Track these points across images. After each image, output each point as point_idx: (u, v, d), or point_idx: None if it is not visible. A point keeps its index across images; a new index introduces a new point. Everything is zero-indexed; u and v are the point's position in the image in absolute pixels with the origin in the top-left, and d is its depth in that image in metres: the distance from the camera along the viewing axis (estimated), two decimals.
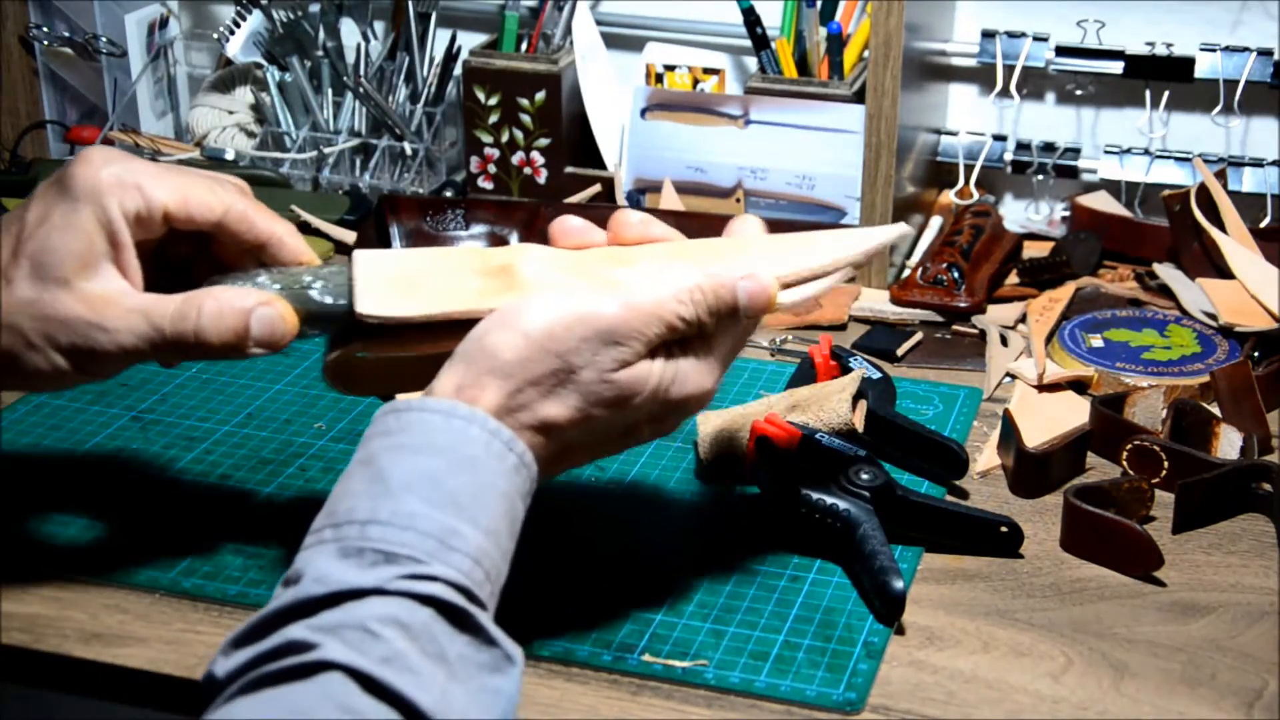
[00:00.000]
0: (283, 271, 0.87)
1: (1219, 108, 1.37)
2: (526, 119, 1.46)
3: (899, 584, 0.89)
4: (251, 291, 0.84)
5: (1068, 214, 1.44)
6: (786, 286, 0.87)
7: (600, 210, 1.36)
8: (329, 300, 0.85)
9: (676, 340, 0.83)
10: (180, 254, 0.89)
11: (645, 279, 0.83)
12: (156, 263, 0.87)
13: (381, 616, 0.69)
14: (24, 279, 0.82)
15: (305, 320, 0.85)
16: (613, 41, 1.53)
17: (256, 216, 0.89)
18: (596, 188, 1.47)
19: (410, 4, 1.50)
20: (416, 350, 0.84)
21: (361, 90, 1.49)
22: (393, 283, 0.84)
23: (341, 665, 0.67)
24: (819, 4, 1.41)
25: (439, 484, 0.75)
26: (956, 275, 1.29)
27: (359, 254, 0.86)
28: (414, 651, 0.69)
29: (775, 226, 1.37)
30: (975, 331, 1.26)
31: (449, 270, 0.86)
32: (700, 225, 1.37)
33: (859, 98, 1.35)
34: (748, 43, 1.44)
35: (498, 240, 1.37)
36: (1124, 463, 1.04)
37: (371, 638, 0.68)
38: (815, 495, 0.95)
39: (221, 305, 0.83)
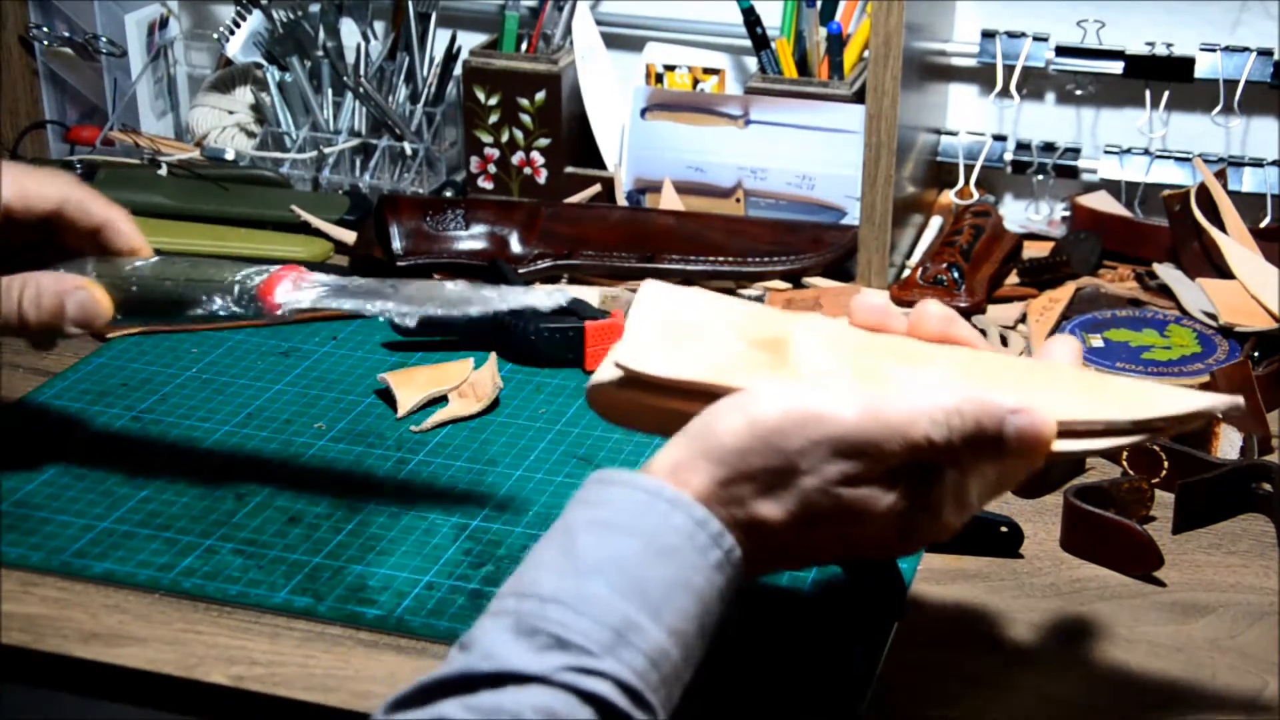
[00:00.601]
0: (109, 261, 0.94)
1: (1219, 108, 1.37)
2: (526, 119, 1.46)
3: (899, 583, 0.89)
4: (68, 276, 0.92)
5: (1068, 214, 1.44)
6: (1070, 434, 0.74)
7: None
8: (136, 291, 0.93)
9: (924, 465, 0.74)
10: (20, 240, 0.95)
11: (905, 387, 0.75)
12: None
13: (539, 708, 0.65)
14: None
15: (122, 307, 0.93)
16: (613, 41, 1.53)
17: (92, 204, 0.95)
18: (596, 188, 1.47)
19: (410, 4, 1.50)
20: (666, 404, 0.79)
21: (361, 90, 1.49)
22: (666, 330, 0.80)
23: None
24: (819, 4, 1.41)
25: (629, 570, 0.69)
26: (956, 275, 1.29)
27: (647, 288, 0.83)
28: None
29: (776, 226, 1.38)
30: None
31: (722, 329, 0.81)
32: (700, 225, 1.37)
33: (859, 98, 1.35)
34: (748, 43, 1.44)
35: (498, 240, 1.37)
36: (1124, 463, 1.04)
37: None
38: None
39: (41, 288, 0.91)
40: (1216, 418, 1.04)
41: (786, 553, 0.75)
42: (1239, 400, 0.75)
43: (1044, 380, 0.77)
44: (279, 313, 0.92)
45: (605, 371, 0.81)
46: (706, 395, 0.76)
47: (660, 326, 0.81)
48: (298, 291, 0.92)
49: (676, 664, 0.70)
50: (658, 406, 0.79)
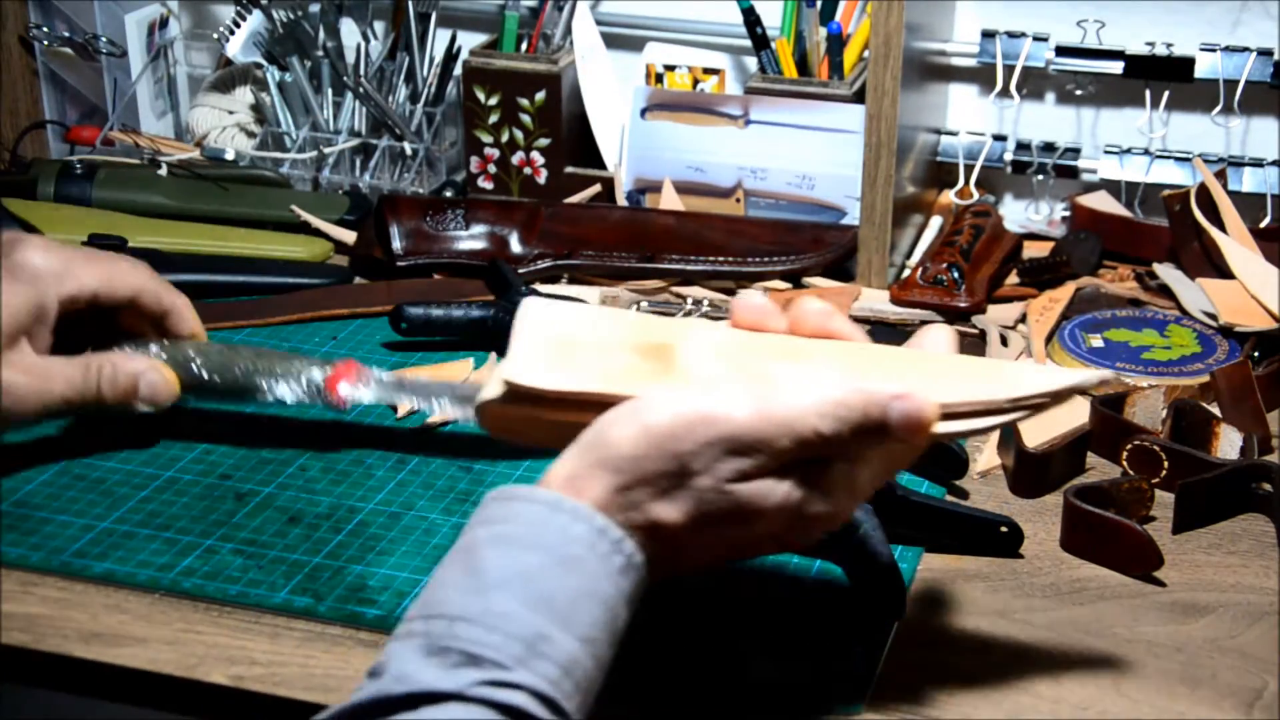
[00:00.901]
0: (173, 343, 1.04)
1: (1219, 108, 1.37)
2: (526, 119, 1.46)
3: (899, 584, 0.89)
4: (141, 358, 1.02)
5: (1068, 214, 1.44)
6: (951, 415, 0.77)
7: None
8: (205, 376, 1.03)
9: (813, 458, 0.76)
10: (92, 321, 1.04)
11: (791, 383, 0.76)
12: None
13: None
14: None
15: (186, 388, 1.03)
16: (613, 41, 1.53)
17: (163, 293, 1.05)
18: (596, 188, 1.47)
19: (410, 4, 1.50)
20: (557, 416, 0.80)
21: (361, 90, 1.49)
22: (550, 344, 0.81)
23: None
24: (819, 4, 1.41)
25: (534, 582, 0.71)
26: (956, 275, 1.29)
27: (528, 305, 0.84)
28: None
29: (776, 226, 1.38)
30: (975, 331, 1.26)
31: (607, 340, 0.82)
32: (700, 225, 1.37)
33: (859, 98, 1.35)
34: (748, 43, 1.44)
35: (498, 240, 1.37)
36: (1124, 463, 1.04)
37: None
38: None
39: (117, 368, 1.01)
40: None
41: (687, 552, 0.77)
42: (1106, 374, 0.82)
43: (922, 367, 0.80)
44: (344, 407, 1.04)
45: (492, 388, 0.81)
46: (598, 406, 0.77)
47: (545, 341, 0.81)
48: (359, 387, 1.03)
49: (589, 671, 0.71)
50: (549, 420, 0.80)
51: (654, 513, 0.75)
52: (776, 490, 0.75)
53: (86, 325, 1.03)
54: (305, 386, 1.04)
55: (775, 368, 0.79)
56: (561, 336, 0.82)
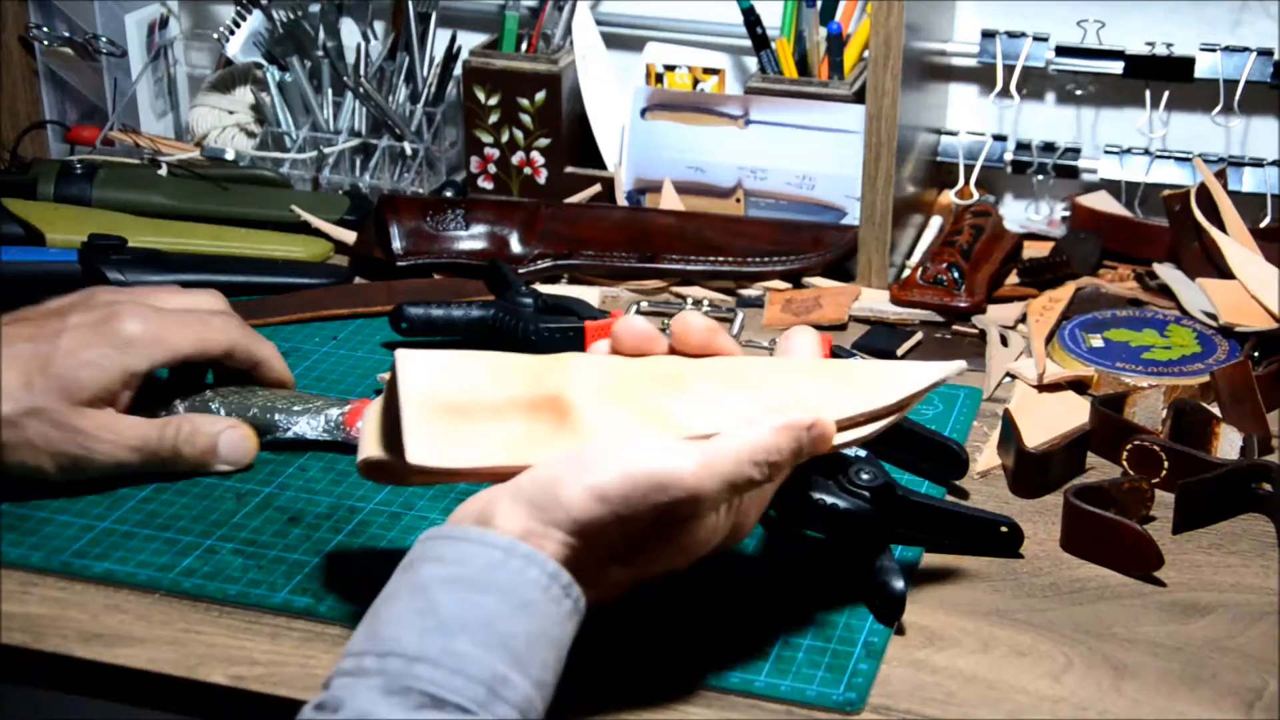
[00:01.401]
0: (235, 392, 1.06)
1: (1219, 108, 1.37)
2: (526, 119, 1.46)
3: (899, 584, 0.89)
4: (219, 418, 1.04)
5: (1068, 214, 1.44)
6: (844, 427, 0.84)
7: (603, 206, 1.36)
8: (291, 434, 1.05)
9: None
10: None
11: (714, 426, 0.80)
12: None
13: None
14: (48, 392, 0.97)
15: (263, 439, 1.05)
16: (613, 41, 1.53)
17: (254, 345, 1.06)
18: (596, 188, 1.47)
19: (410, 4, 1.50)
20: (458, 480, 0.82)
21: (361, 90, 1.49)
22: (442, 413, 0.81)
23: None
24: (819, 4, 1.41)
25: (493, 626, 0.72)
26: (956, 275, 1.29)
27: (405, 364, 0.84)
28: None
29: (776, 226, 1.38)
30: (975, 331, 1.26)
31: (495, 399, 0.82)
32: (700, 225, 1.37)
33: (859, 98, 1.35)
34: (748, 43, 1.44)
35: (498, 240, 1.37)
36: (1124, 463, 1.04)
37: None
38: (815, 495, 0.94)
39: (195, 429, 1.03)
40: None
41: (623, 585, 0.82)
42: (962, 364, 0.88)
43: (808, 381, 0.85)
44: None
45: (373, 448, 0.84)
46: (503, 474, 0.80)
47: (434, 406, 0.81)
48: None
49: (540, 713, 0.73)
50: (448, 480, 0.82)
51: (602, 566, 0.79)
52: (710, 527, 0.81)
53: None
54: (325, 423, 1.06)
55: (669, 403, 0.82)
56: (449, 400, 0.82)
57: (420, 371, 0.83)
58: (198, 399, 1.06)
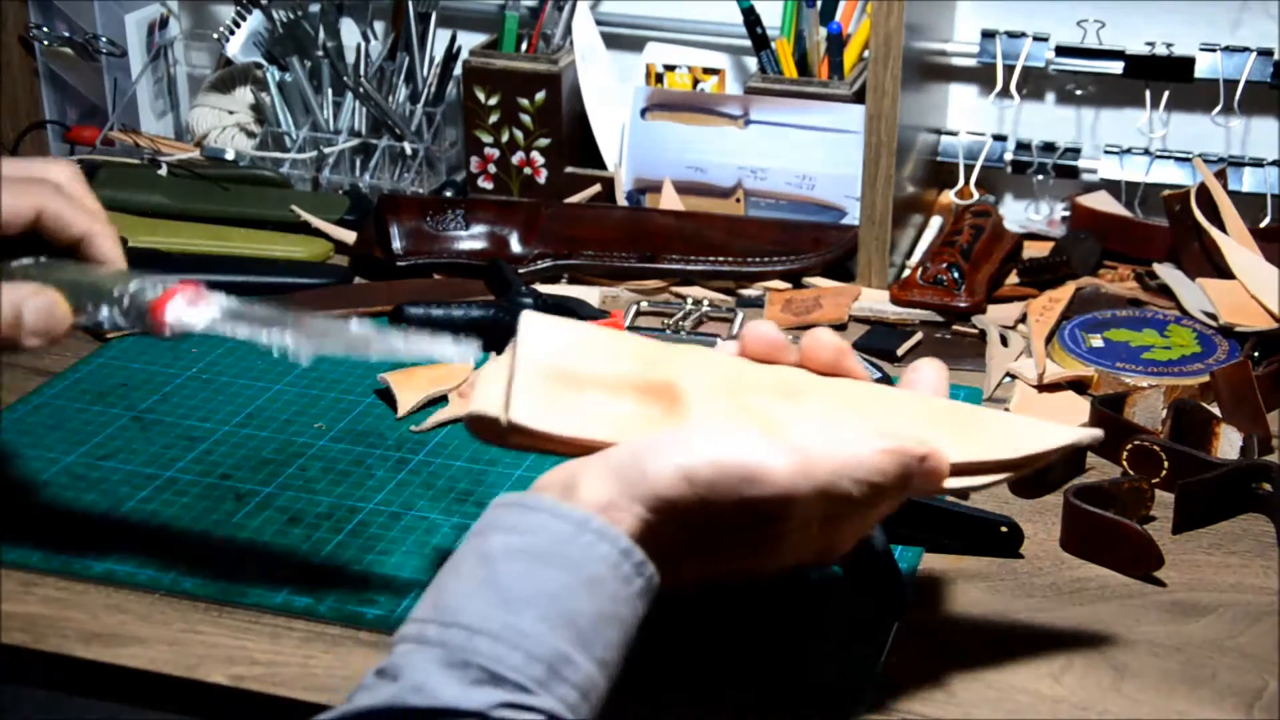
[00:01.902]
0: (39, 267, 0.87)
1: (1219, 108, 1.37)
2: (526, 119, 1.46)
3: (899, 583, 0.89)
4: (21, 285, 0.84)
5: (1068, 214, 1.44)
6: (959, 472, 0.80)
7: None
8: (89, 320, 0.85)
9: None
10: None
11: (821, 437, 0.77)
12: None
13: None
14: None
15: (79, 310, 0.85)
16: (613, 41, 1.53)
17: (70, 217, 0.88)
18: (596, 188, 1.47)
19: (410, 4, 1.50)
20: (554, 448, 0.80)
21: (361, 90, 1.49)
22: (554, 379, 0.80)
23: None
24: (819, 4, 1.41)
25: (558, 602, 0.70)
26: (956, 275, 1.29)
27: (528, 325, 0.82)
28: None
29: (776, 226, 1.38)
30: (975, 331, 1.26)
31: (609, 376, 0.81)
32: (700, 225, 1.37)
33: (859, 98, 1.35)
34: (748, 43, 1.44)
35: (498, 240, 1.37)
36: (1124, 463, 1.04)
37: None
38: None
39: None
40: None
41: (697, 577, 0.78)
42: (1099, 433, 0.83)
43: (926, 418, 0.81)
44: (166, 333, 0.85)
45: (488, 403, 0.81)
46: (602, 447, 0.78)
47: (548, 372, 0.80)
48: (192, 309, 0.85)
49: (603, 693, 0.71)
50: (544, 447, 0.80)
51: (678, 550, 0.75)
52: (795, 539, 0.77)
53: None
54: (126, 308, 0.86)
55: (782, 413, 0.80)
56: (564, 368, 0.80)
57: (541, 335, 0.82)
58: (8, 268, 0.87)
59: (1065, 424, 0.84)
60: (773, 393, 0.81)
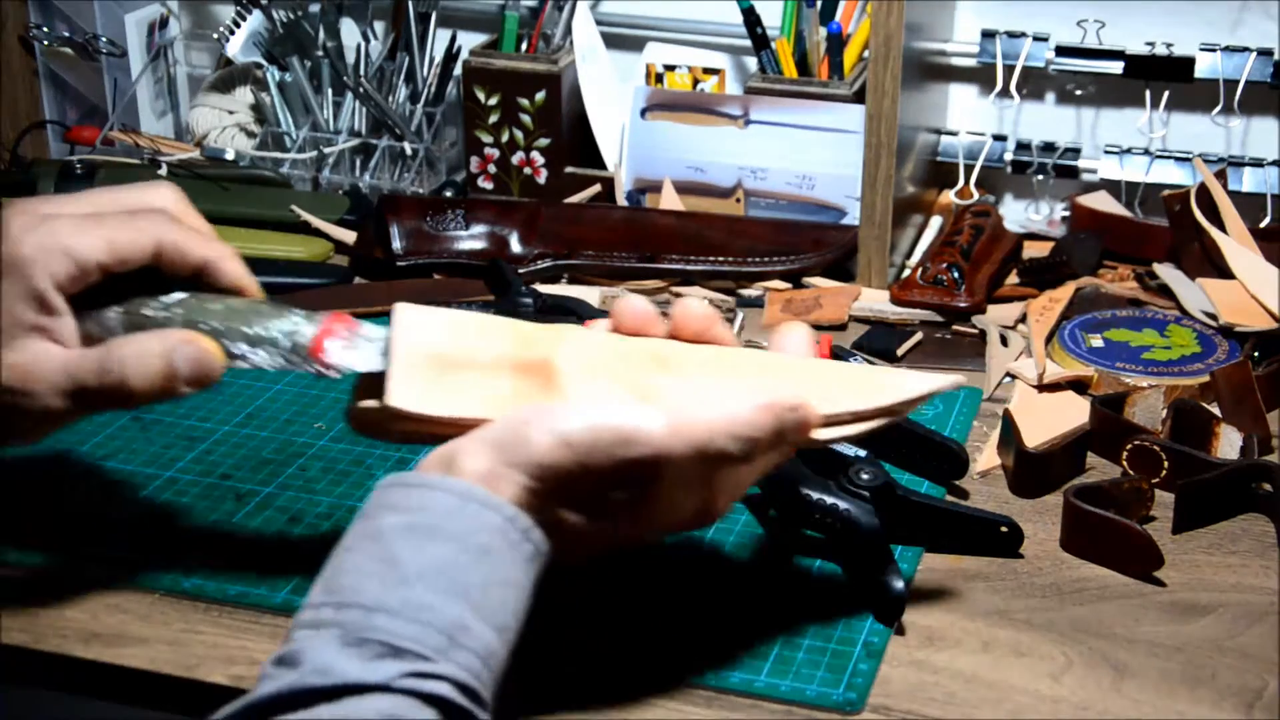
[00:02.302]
0: (182, 302, 0.85)
1: (1219, 108, 1.37)
2: (526, 119, 1.46)
3: (899, 584, 0.89)
4: (171, 332, 0.84)
5: (1068, 214, 1.44)
6: (830, 424, 0.83)
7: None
8: (245, 363, 0.84)
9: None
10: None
11: (694, 399, 0.81)
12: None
13: (385, 715, 0.67)
14: None
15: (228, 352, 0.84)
16: (613, 41, 1.53)
17: (189, 245, 0.86)
18: (596, 188, 1.47)
19: (410, 4, 1.50)
20: (434, 430, 0.81)
21: (361, 90, 1.49)
22: (430, 364, 0.82)
23: None
24: (819, 4, 1.41)
25: (451, 574, 0.72)
26: (956, 275, 1.29)
27: (402, 314, 0.84)
28: None
29: (776, 226, 1.38)
30: (975, 331, 1.26)
31: (484, 357, 0.83)
32: (700, 225, 1.37)
33: (859, 98, 1.35)
34: (748, 43, 1.44)
35: (498, 240, 1.37)
36: (1124, 463, 1.04)
37: None
38: (815, 495, 0.94)
39: (142, 351, 0.82)
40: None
41: (585, 547, 0.80)
42: (960, 379, 0.87)
43: (802, 375, 0.85)
44: (333, 375, 0.85)
45: (364, 397, 0.83)
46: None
47: (424, 358, 0.82)
48: (353, 352, 0.85)
49: (502, 658, 0.73)
50: (425, 432, 0.81)
51: (562, 516, 0.78)
52: (676, 500, 0.80)
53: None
54: (286, 351, 0.85)
55: (656, 381, 0.82)
56: (439, 353, 0.83)
57: (415, 323, 0.84)
58: (133, 309, 0.85)
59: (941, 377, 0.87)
60: (648, 363, 0.84)
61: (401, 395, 0.81)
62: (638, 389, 0.82)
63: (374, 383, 0.83)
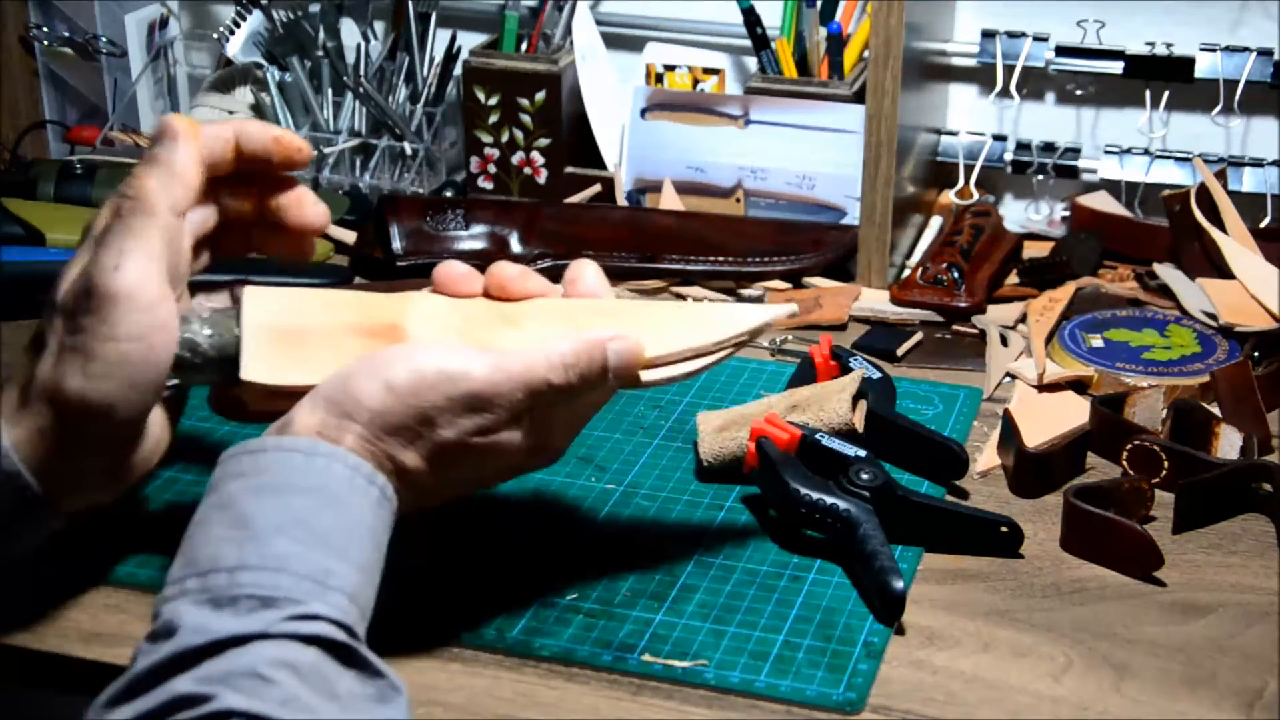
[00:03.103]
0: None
1: (1219, 108, 1.37)
2: (526, 119, 1.46)
3: (899, 584, 0.89)
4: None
5: (1068, 214, 1.44)
6: (663, 363, 0.87)
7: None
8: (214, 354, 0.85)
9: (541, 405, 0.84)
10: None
11: (521, 342, 0.84)
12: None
13: (271, 660, 0.68)
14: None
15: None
16: (613, 41, 1.53)
17: (251, 128, 0.89)
18: (596, 188, 1.47)
19: (410, 4, 1.50)
20: (291, 404, 0.83)
21: (361, 90, 1.49)
22: (279, 338, 0.85)
23: (242, 713, 0.66)
24: (819, 4, 1.41)
25: (307, 524, 0.75)
26: (956, 275, 1.29)
27: (250, 296, 0.87)
28: (307, 692, 0.68)
29: (776, 226, 1.38)
30: (975, 331, 1.26)
31: (333, 326, 0.86)
32: (700, 225, 1.37)
33: (859, 98, 1.35)
34: (748, 43, 1.44)
35: (498, 240, 1.37)
36: (1124, 463, 1.04)
37: (265, 683, 0.67)
38: (815, 495, 0.95)
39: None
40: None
41: (429, 492, 0.83)
42: (793, 308, 0.92)
43: (634, 320, 0.88)
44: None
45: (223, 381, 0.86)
46: None
47: (272, 333, 0.85)
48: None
49: (369, 597, 0.76)
50: (285, 407, 0.83)
51: (400, 459, 0.80)
52: (509, 437, 0.83)
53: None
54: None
55: (500, 337, 0.86)
56: (289, 326, 0.85)
57: (262, 301, 0.87)
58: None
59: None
60: (495, 321, 0.88)
61: (254, 369, 0.84)
62: (482, 344, 0.85)
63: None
